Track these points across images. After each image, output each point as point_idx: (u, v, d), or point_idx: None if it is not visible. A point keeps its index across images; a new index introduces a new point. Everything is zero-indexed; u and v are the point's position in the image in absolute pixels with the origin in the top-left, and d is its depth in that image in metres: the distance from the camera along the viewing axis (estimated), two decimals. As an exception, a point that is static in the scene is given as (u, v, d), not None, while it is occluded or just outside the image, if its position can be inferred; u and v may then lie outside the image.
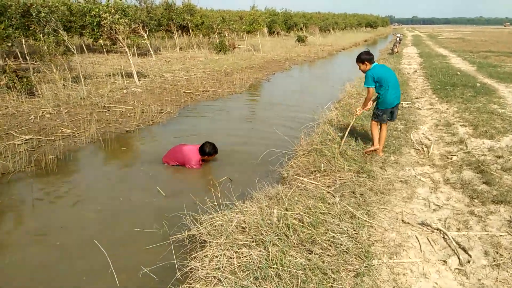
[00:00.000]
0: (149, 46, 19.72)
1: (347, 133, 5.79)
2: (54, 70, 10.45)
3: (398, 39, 23.72)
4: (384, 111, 5.49)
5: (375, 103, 5.62)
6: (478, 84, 11.29)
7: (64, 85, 10.26)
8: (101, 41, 14.86)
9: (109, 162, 6.06)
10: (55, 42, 10.09)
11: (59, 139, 6.78)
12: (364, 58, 5.38)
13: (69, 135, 7.07)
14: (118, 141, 7.03)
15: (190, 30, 24.94)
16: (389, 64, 17.09)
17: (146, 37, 19.28)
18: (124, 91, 10.44)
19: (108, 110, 8.62)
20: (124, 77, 12.30)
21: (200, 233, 3.66)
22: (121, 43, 11.39)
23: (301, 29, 41.98)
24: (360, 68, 5.52)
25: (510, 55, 21.89)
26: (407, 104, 8.95)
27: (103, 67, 14.91)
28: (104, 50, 19.71)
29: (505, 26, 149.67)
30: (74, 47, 18.80)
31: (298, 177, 4.95)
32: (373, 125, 5.65)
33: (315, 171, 5.10)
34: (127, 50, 11.57)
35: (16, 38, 10.42)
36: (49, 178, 5.37)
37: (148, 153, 6.47)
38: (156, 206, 4.59)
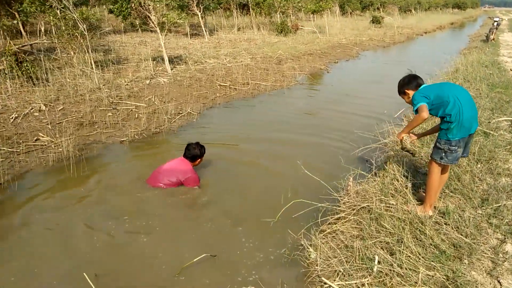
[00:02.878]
0: (202, 25, 17.95)
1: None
2: (72, 53, 9.00)
3: (495, 23, 19.58)
4: (459, 144, 3.23)
5: (438, 136, 3.39)
6: None
7: (82, 71, 8.78)
8: (131, 20, 13.26)
9: (60, 204, 4.13)
10: (73, 19, 8.56)
11: (24, 152, 5.16)
12: (404, 85, 3.57)
13: (44, 145, 5.43)
14: (97, 161, 5.21)
15: (250, 8, 22.79)
16: (485, 56, 13.67)
17: (199, 15, 17.58)
18: (147, 81, 8.70)
19: (114, 108, 6.91)
20: (159, 62, 10.63)
21: None
22: (152, 22, 9.63)
23: (378, 8, 37.89)
24: (406, 101, 3.63)
25: None
26: (520, 122, 6.16)
27: (146, 49, 13.40)
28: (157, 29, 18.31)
29: None
30: (108, 25, 17.57)
31: (327, 282, 2.76)
32: (435, 172, 3.40)
33: (362, 269, 2.86)
34: (158, 30, 9.79)
35: (31, 14, 9.07)
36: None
37: (119, 185, 4.57)
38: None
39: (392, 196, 3.73)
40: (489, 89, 8.27)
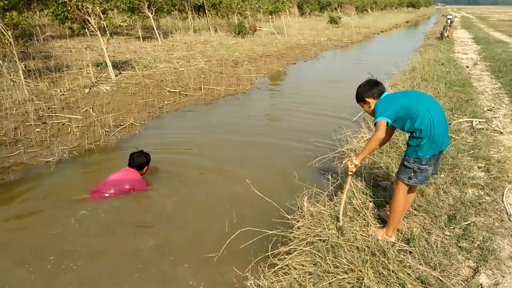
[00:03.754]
0: (155, 28, 17.13)
1: (342, 208, 3.13)
2: (0, 62, 8.07)
3: (449, 21, 19.98)
4: (430, 162, 2.78)
5: (405, 153, 2.88)
6: None
7: (13, 81, 7.86)
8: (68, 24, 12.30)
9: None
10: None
11: None
12: (363, 92, 3.03)
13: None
14: (13, 188, 4.39)
15: (206, 10, 22.13)
16: (440, 53, 13.73)
17: (151, 17, 16.75)
18: (86, 90, 7.91)
19: (44, 123, 6.11)
20: (104, 68, 9.79)
21: None
22: (92, 26, 8.82)
23: (335, 8, 38.16)
24: (365, 110, 3.10)
25: None
26: (479, 123, 5.91)
27: (93, 54, 12.45)
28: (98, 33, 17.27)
29: None
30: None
31: None
32: (401, 193, 2.92)
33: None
34: (99, 34, 8.98)
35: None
36: None
37: (37, 218, 3.86)
38: None
39: (350, 220, 3.27)
40: (447, 88, 8.10)
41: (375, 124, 2.80)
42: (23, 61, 9.93)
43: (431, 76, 9.24)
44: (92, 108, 6.96)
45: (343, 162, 3.17)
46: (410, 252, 2.84)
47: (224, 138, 6.06)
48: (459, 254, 2.88)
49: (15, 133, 5.66)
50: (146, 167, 4.40)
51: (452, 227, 3.19)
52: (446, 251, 2.89)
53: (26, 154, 5.17)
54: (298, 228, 3.35)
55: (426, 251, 2.81)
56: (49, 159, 5.05)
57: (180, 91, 8.53)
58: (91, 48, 13.90)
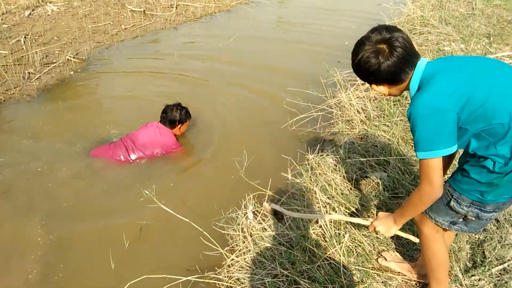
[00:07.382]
0: None
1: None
2: None
3: None
4: (501, 206, 1.47)
5: (454, 181, 1.52)
6: None
7: None
8: None
9: None
10: None
11: None
12: (372, 74, 1.45)
13: None
14: None
15: None
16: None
17: None
18: (27, 13, 6.36)
19: (-46, 62, 4.78)
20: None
21: None
22: None
23: None
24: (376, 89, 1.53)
25: None
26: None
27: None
28: None
29: None
30: None
31: None
32: (436, 239, 1.63)
33: None
34: None
35: None
36: None
37: None
38: None
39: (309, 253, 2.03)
40: (485, 2, 6.24)
41: (421, 163, 1.38)
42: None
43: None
44: (25, 38, 5.52)
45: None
46: None
47: (164, 91, 4.46)
48: None
49: None
50: (180, 125, 3.57)
51: (475, 276, 1.94)
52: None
53: None
54: (231, 266, 2.16)
55: None
56: None
57: (144, 10, 6.86)
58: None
